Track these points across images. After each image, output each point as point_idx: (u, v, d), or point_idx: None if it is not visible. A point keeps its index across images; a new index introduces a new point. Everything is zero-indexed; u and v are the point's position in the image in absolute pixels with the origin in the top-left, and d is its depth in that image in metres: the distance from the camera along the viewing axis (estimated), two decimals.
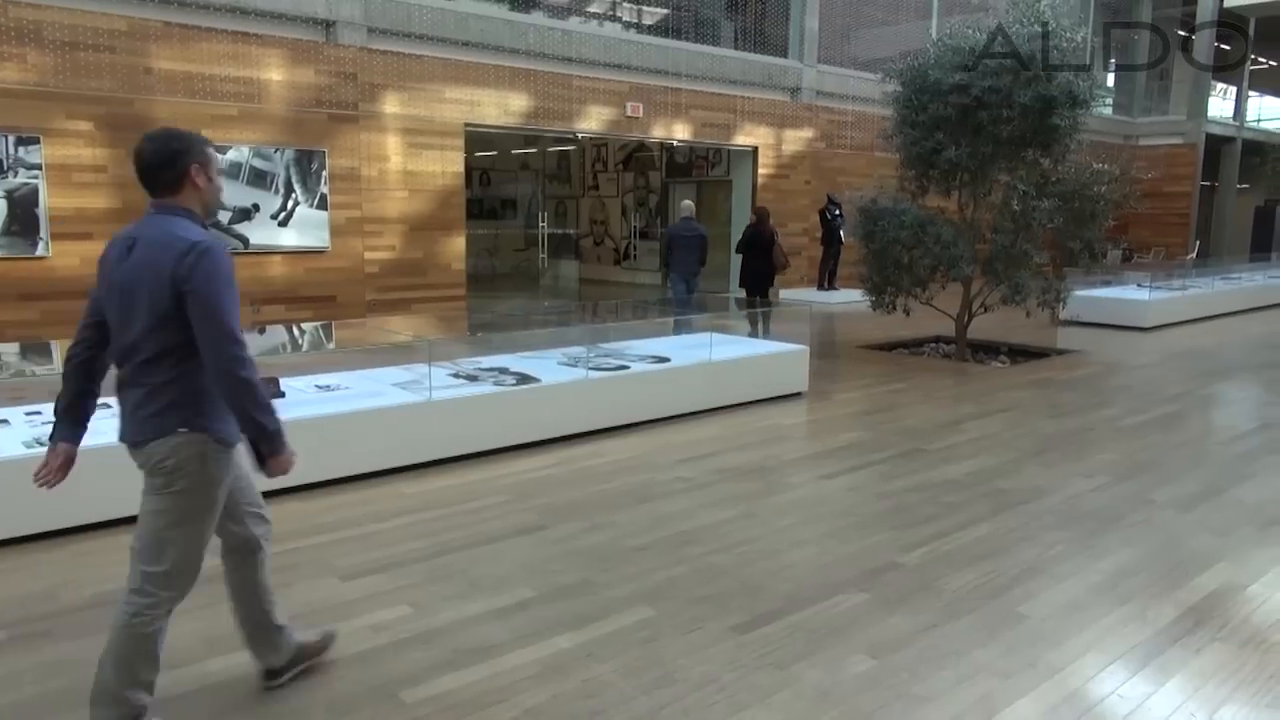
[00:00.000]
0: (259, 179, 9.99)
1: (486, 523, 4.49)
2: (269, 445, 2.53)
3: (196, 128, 9.48)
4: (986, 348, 10.12)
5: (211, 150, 2.63)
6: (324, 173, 10.43)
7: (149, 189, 2.53)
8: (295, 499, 4.76)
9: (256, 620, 2.86)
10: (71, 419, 2.64)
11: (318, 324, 10.22)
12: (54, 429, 2.65)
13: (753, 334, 9.33)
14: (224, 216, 9.79)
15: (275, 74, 10.07)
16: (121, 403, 2.56)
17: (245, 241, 9.93)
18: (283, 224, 10.21)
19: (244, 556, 2.81)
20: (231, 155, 9.79)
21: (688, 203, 10.91)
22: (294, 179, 10.24)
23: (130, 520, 4.30)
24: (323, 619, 3.41)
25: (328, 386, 5.73)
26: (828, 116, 16.28)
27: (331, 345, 8.83)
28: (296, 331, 9.14)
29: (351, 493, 4.92)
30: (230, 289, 2.45)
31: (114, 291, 2.50)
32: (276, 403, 5.10)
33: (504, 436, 5.77)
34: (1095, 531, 4.48)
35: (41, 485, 2.62)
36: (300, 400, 5.34)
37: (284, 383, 5.53)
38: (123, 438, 2.56)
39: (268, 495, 4.73)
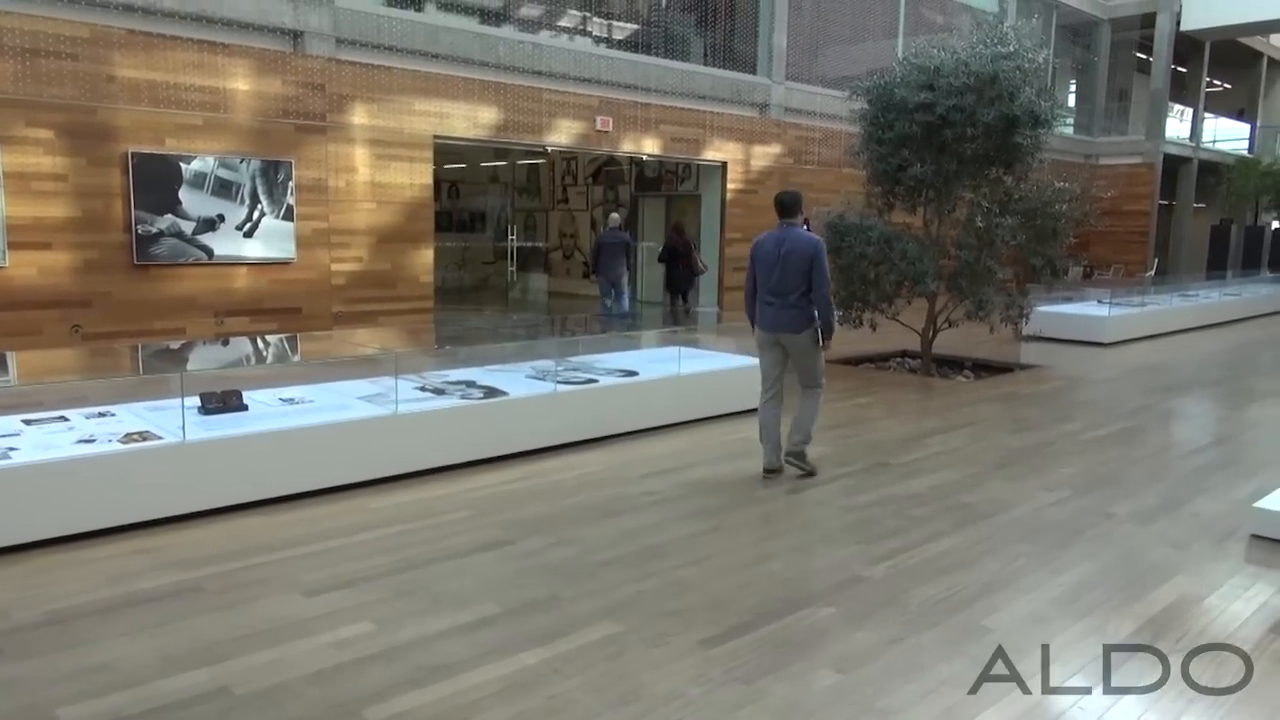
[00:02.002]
0: (224, 189, 9.88)
1: (451, 538, 4.46)
2: (828, 334, 5.42)
3: (160, 137, 9.45)
4: (951, 362, 10.25)
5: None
6: (290, 184, 10.34)
7: (783, 215, 5.41)
8: (259, 514, 4.70)
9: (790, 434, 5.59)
10: (752, 312, 5.64)
11: (283, 336, 10.11)
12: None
13: (674, 323, 11.08)
14: (187, 227, 9.67)
15: (241, 84, 9.98)
16: (777, 313, 5.40)
17: (209, 252, 9.81)
18: (248, 235, 10.10)
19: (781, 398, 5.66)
20: (196, 165, 9.67)
21: (615, 215, 13.09)
22: (260, 190, 10.14)
23: (92, 534, 4.25)
24: (286, 635, 3.36)
25: (292, 399, 5.66)
26: (796, 133, 16.44)
27: (296, 358, 8.73)
28: (261, 343, 9.05)
29: (316, 507, 4.86)
30: (826, 261, 5.34)
31: (775, 263, 5.34)
32: (238, 416, 5.10)
33: (470, 450, 5.73)
34: (1057, 545, 4.54)
35: None
36: (264, 413, 5.27)
37: (248, 395, 5.45)
38: (775, 328, 5.43)
39: (232, 510, 4.71)
